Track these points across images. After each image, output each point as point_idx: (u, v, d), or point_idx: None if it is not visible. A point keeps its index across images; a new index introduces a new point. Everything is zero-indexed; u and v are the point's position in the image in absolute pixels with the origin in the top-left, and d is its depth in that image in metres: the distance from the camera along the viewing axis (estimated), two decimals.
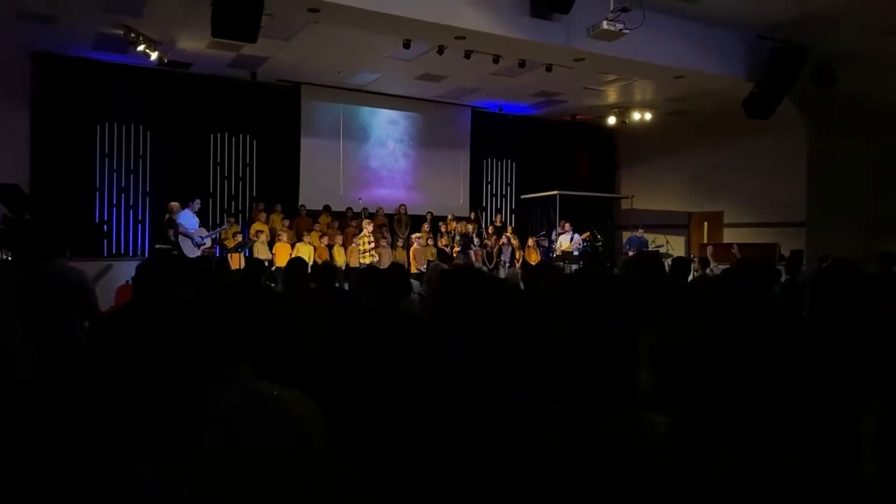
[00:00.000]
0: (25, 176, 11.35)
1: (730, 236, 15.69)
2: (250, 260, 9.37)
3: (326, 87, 13.85)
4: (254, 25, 7.53)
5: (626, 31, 8.30)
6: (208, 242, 9.62)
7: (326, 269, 5.98)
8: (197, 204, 9.87)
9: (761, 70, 10.84)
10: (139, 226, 12.50)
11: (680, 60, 10.48)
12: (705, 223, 16.47)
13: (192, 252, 9.30)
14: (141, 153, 12.59)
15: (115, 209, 12.36)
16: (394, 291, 4.30)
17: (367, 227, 11.77)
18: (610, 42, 8.88)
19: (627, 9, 8.22)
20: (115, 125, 12.40)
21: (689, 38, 10.39)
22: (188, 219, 9.56)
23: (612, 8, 8.31)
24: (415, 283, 6.46)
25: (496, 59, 11.09)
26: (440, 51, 10.57)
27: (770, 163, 14.45)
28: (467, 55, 10.68)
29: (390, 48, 10.83)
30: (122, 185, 12.46)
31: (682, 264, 6.25)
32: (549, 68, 11.58)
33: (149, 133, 12.64)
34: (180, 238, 9.43)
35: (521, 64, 11.41)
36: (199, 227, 9.69)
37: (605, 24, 8.17)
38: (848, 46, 10.56)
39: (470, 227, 14.06)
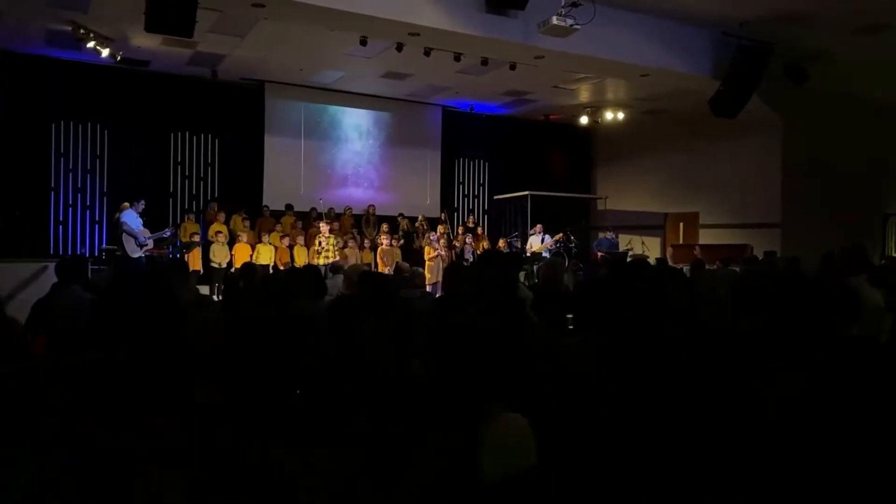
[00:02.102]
0: None
1: (706, 237, 15.54)
2: (169, 262, 9.05)
3: (291, 86, 13.63)
4: (188, 20, 7.30)
5: (578, 27, 8.09)
6: (150, 244, 9.37)
7: (246, 270, 5.77)
8: (141, 204, 9.63)
9: (727, 68, 10.64)
10: (96, 226, 12.25)
11: (643, 58, 10.27)
12: (681, 224, 16.31)
13: (134, 252, 9.05)
14: (98, 152, 12.35)
15: (71, 209, 12.11)
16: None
17: (324, 228, 11.52)
18: (565, 38, 8.67)
19: (578, 3, 8.00)
20: (72, 124, 12.17)
21: (652, 35, 10.19)
22: (132, 219, 9.32)
23: (563, 3, 8.09)
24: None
25: (457, 57, 10.89)
26: (399, 48, 10.35)
27: (746, 163, 14.30)
28: (427, 52, 10.48)
29: (349, 45, 10.61)
30: (79, 184, 12.22)
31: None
32: (512, 66, 11.40)
33: (106, 132, 12.41)
34: (124, 238, 9.19)
35: (484, 62, 11.22)
36: (143, 227, 9.44)
37: (554, 20, 7.96)
38: (818, 44, 10.39)
39: (417, 225, 14.09)
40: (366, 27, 9.16)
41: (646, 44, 10.17)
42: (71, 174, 12.14)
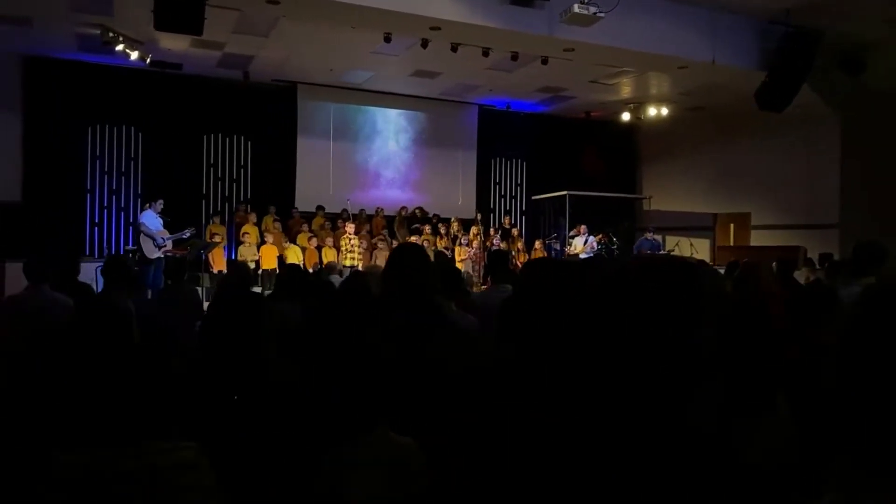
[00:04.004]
0: (17, 179, 11.48)
1: (757, 239, 14.71)
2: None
3: (323, 87, 13.54)
4: (197, 17, 7.20)
5: (601, 15, 7.66)
6: (169, 244, 9.37)
7: (236, 270, 5.58)
8: (159, 204, 9.64)
9: (773, 58, 9.96)
10: (130, 228, 12.42)
11: (680, 49, 9.74)
12: (731, 225, 15.51)
13: (152, 253, 9.05)
14: (132, 155, 12.55)
15: (105, 211, 12.33)
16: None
17: (350, 229, 11.37)
18: (591, 28, 8.26)
19: None
20: (107, 127, 12.37)
21: (688, 25, 9.66)
22: (151, 219, 9.34)
23: None
24: None
25: (486, 52, 10.54)
26: (424, 44, 10.08)
27: (801, 161, 13.46)
28: (454, 48, 10.18)
29: (374, 43, 10.40)
30: (114, 187, 12.43)
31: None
32: (544, 61, 10.98)
33: (140, 135, 12.58)
34: (142, 238, 9.21)
35: (514, 57, 10.80)
36: (164, 227, 9.45)
37: (576, 8, 7.55)
38: (867, 31, 9.64)
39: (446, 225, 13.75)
40: (384, 22, 8.95)
41: (683, 34, 9.64)
42: (106, 176, 12.36)
